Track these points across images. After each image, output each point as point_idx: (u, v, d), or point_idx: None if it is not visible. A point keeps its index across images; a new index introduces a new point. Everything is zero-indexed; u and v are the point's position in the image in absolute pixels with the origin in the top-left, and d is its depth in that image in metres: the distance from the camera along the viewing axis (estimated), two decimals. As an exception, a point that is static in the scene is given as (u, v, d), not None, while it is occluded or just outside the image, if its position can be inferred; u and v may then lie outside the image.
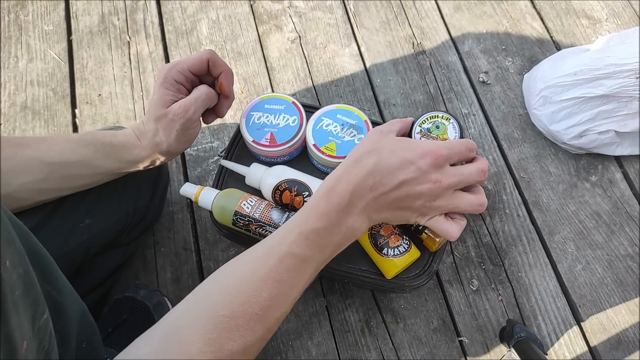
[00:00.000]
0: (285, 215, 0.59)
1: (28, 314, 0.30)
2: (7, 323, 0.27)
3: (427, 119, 0.48)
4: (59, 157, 0.50)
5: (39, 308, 0.32)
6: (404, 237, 0.61)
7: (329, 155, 0.62)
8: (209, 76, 0.56)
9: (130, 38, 1.00)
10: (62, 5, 1.04)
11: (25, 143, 0.50)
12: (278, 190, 0.61)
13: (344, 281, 0.73)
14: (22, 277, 0.31)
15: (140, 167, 0.57)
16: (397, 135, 0.49)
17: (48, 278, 0.38)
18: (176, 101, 0.52)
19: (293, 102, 0.66)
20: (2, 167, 0.47)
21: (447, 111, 0.50)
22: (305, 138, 0.65)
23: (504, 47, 0.99)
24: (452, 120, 0.48)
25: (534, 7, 1.04)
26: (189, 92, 0.55)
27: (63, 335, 0.36)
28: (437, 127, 0.47)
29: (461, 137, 0.48)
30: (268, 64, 0.98)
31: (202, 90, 0.53)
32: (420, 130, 0.47)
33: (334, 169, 0.62)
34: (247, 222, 0.59)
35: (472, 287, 0.79)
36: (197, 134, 0.57)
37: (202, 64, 0.53)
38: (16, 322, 0.28)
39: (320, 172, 0.66)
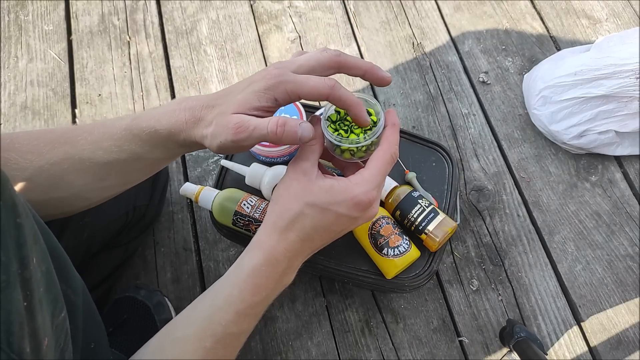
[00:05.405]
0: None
1: (49, 311, 0.31)
2: (34, 318, 0.28)
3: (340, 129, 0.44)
4: (109, 157, 0.45)
5: (58, 306, 0.33)
6: (404, 237, 0.61)
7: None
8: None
9: (130, 38, 1.00)
10: (62, 5, 1.04)
11: (72, 141, 0.46)
12: (278, 190, 0.61)
13: (344, 281, 0.73)
14: (45, 275, 0.31)
15: (194, 148, 0.46)
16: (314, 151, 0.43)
17: (64, 277, 0.38)
18: (256, 115, 0.40)
19: (293, 102, 0.66)
20: (60, 169, 0.45)
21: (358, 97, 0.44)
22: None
23: (504, 47, 0.99)
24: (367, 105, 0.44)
25: (534, 7, 1.04)
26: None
27: (73, 335, 0.36)
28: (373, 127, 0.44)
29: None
30: (268, 64, 0.98)
31: (272, 122, 0.39)
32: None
33: (334, 168, 0.61)
34: (247, 222, 0.59)
35: (472, 287, 0.79)
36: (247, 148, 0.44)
37: (319, 96, 0.40)
38: (40, 318, 0.29)
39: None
